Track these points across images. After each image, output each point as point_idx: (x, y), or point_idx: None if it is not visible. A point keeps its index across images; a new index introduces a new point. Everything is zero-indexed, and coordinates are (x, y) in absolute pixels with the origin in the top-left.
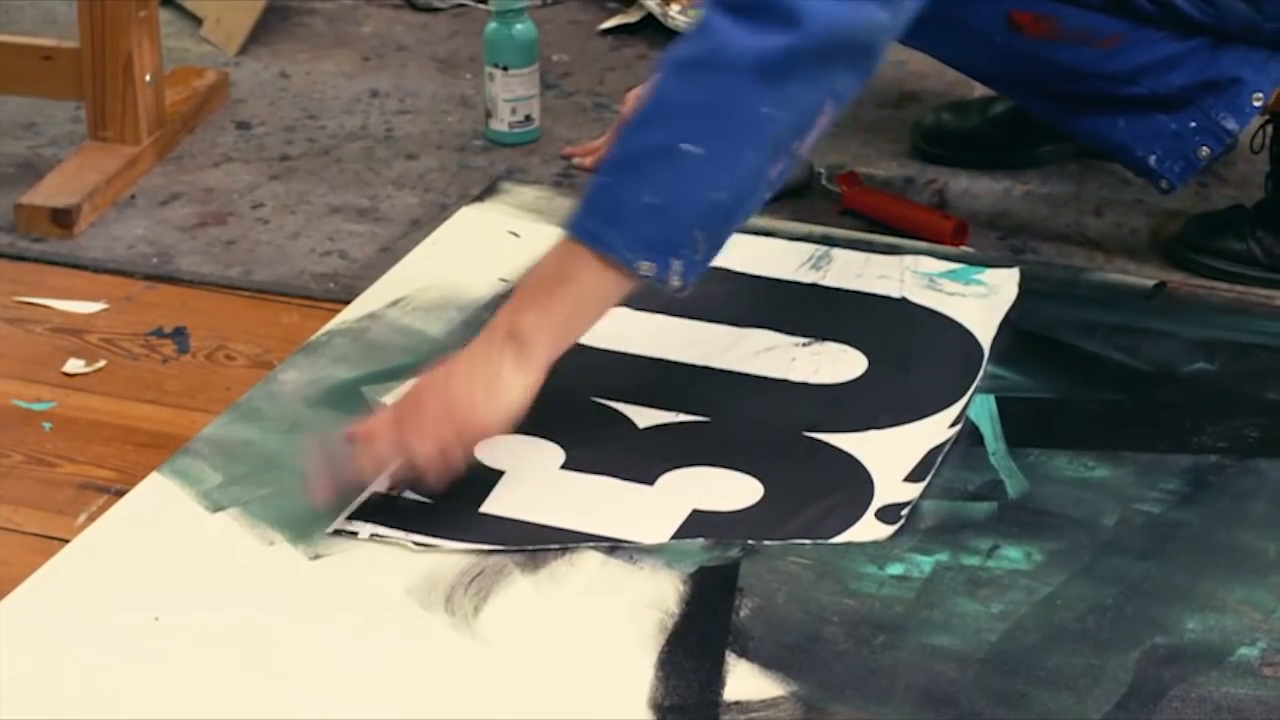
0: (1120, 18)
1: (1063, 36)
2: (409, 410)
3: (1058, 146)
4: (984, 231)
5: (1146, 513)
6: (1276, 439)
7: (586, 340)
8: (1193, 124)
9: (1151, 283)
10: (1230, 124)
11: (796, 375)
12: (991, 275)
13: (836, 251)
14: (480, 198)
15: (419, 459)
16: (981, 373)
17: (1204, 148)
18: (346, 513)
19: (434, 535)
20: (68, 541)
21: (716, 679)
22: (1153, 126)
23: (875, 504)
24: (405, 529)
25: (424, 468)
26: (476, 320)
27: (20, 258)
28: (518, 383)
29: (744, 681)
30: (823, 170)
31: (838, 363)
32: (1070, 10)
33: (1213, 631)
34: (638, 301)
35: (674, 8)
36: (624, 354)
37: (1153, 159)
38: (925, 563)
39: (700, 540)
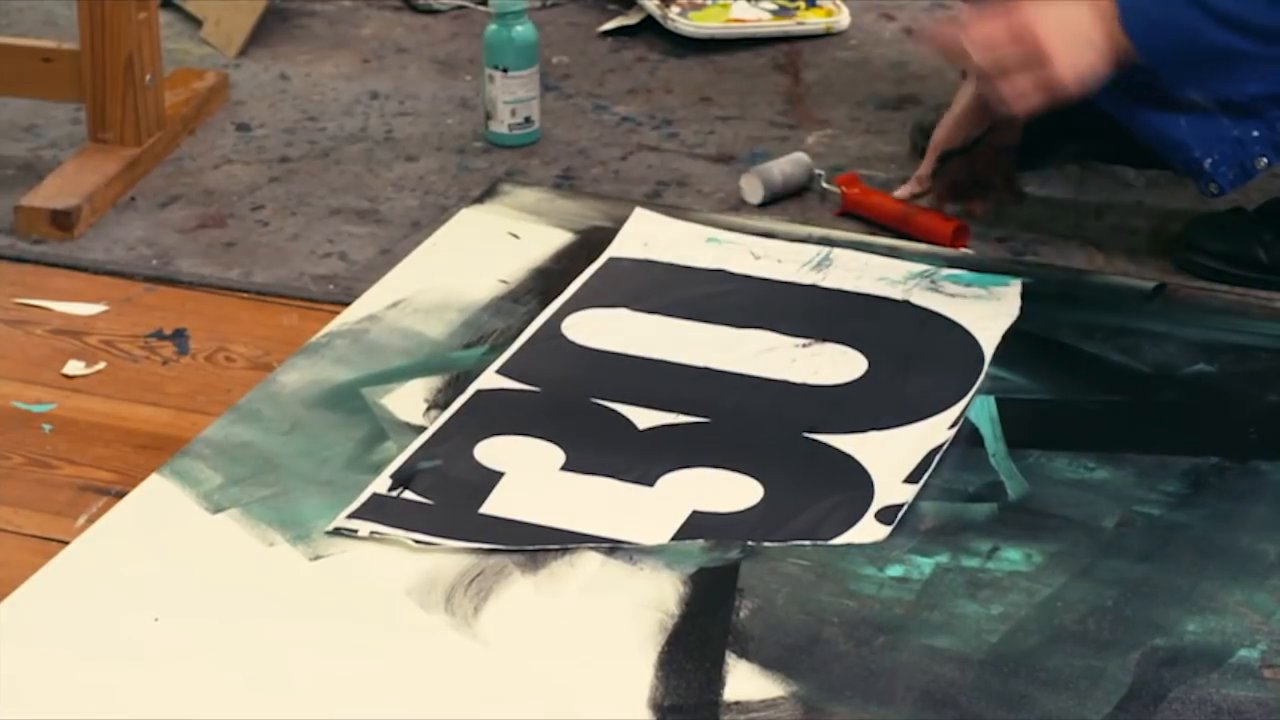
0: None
1: None
2: (979, 29)
3: (1059, 149)
4: (984, 234)
5: (1147, 514)
6: (1277, 441)
7: (586, 342)
8: (1255, 133)
9: (1152, 285)
10: None
11: (796, 376)
12: (994, 289)
13: (837, 253)
14: (480, 199)
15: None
16: (982, 375)
17: (1263, 158)
18: (347, 511)
19: (434, 535)
20: (67, 543)
21: (716, 679)
22: (1215, 130)
23: (875, 505)
24: (405, 528)
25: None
26: (476, 322)
27: (20, 259)
28: (1099, 50)
29: (744, 682)
30: (822, 172)
31: (838, 364)
32: None
33: (1213, 633)
34: (637, 303)
35: (674, 9)
36: (624, 355)
37: (1209, 162)
38: (925, 564)
39: (700, 541)
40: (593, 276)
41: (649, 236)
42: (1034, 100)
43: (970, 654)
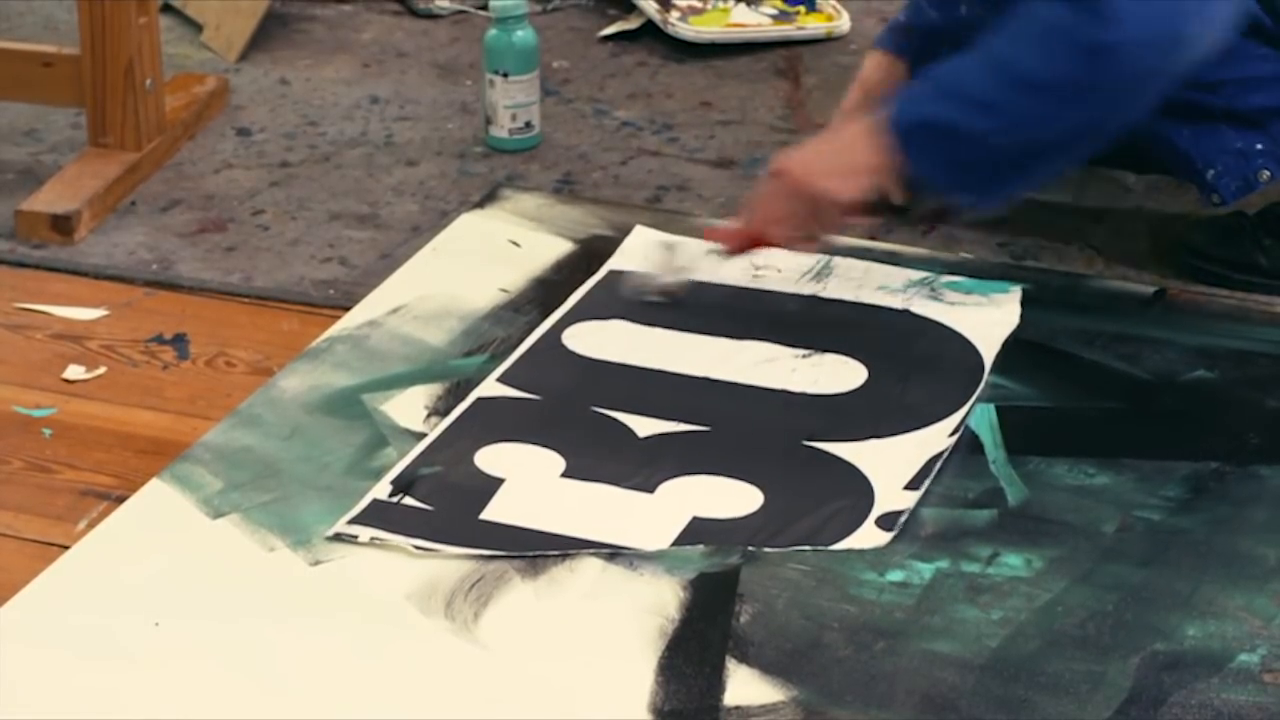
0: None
1: None
2: (763, 205)
3: None
4: (984, 238)
5: (1147, 519)
6: (1277, 446)
7: (586, 351)
8: (1259, 145)
9: (1152, 290)
10: None
11: (797, 386)
12: (994, 297)
13: (837, 261)
14: (480, 204)
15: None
16: (982, 384)
17: (1265, 171)
18: (348, 517)
19: (434, 540)
20: (68, 548)
21: (717, 684)
22: (1218, 141)
23: (875, 511)
24: (405, 534)
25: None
26: (476, 330)
27: (20, 264)
28: (872, 155)
29: (744, 687)
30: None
31: (838, 374)
32: None
33: (1213, 638)
34: (638, 315)
35: (674, 14)
36: (624, 365)
37: (1211, 173)
38: (925, 569)
39: (700, 546)
40: (593, 288)
41: (649, 251)
42: (826, 233)
43: (970, 659)
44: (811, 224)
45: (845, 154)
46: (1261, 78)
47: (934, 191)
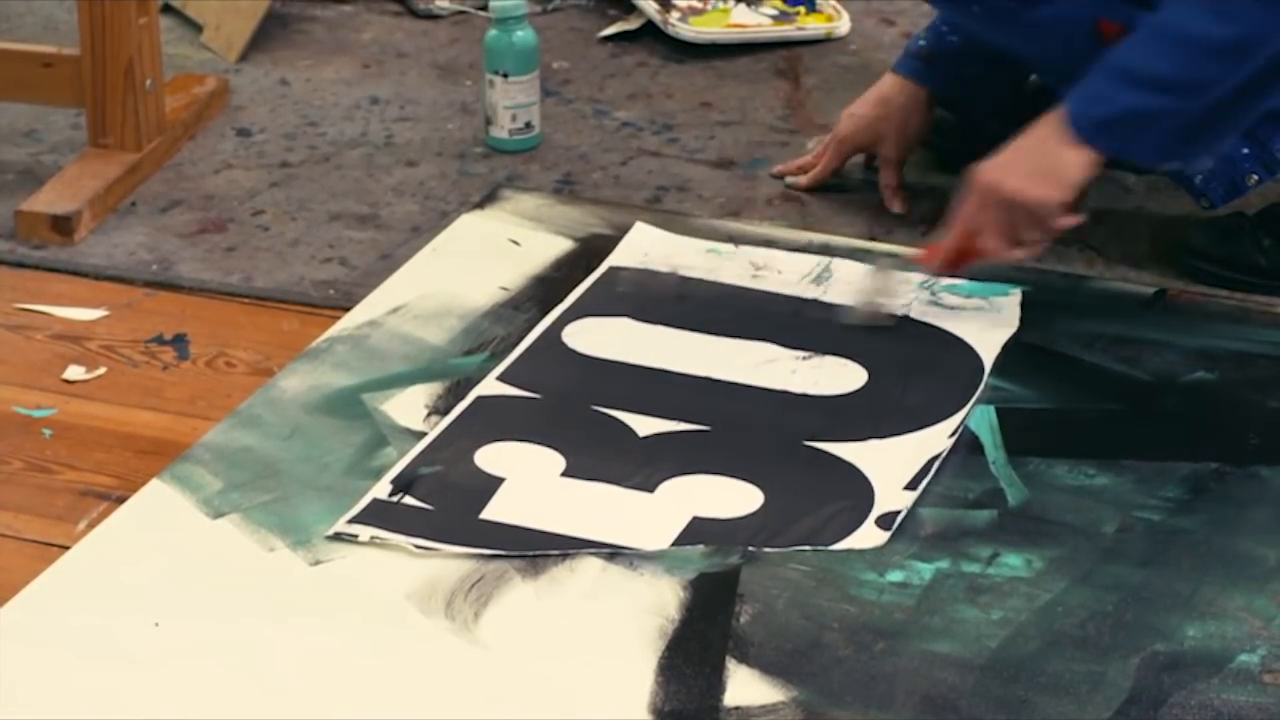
0: None
1: None
2: (970, 219)
3: None
4: None
5: (1147, 520)
6: (1277, 447)
7: (586, 349)
8: (1245, 150)
9: (1151, 290)
10: None
11: (797, 387)
12: (994, 300)
13: (837, 264)
14: (480, 205)
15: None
16: (982, 387)
17: (1253, 175)
18: (347, 516)
19: (434, 540)
20: (68, 548)
21: (717, 684)
22: None
23: (875, 512)
24: (406, 533)
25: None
26: (477, 328)
27: (20, 265)
28: (1072, 155)
29: (744, 687)
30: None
31: (838, 376)
32: None
33: (1213, 638)
34: (638, 313)
35: (674, 15)
36: (625, 364)
37: (1199, 178)
38: (925, 570)
39: (700, 546)
40: (593, 285)
41: (649, 248)
42: (1044, 240)
43: (970, 659)
44: (1023, 230)
45: (1044, 157)
46: None
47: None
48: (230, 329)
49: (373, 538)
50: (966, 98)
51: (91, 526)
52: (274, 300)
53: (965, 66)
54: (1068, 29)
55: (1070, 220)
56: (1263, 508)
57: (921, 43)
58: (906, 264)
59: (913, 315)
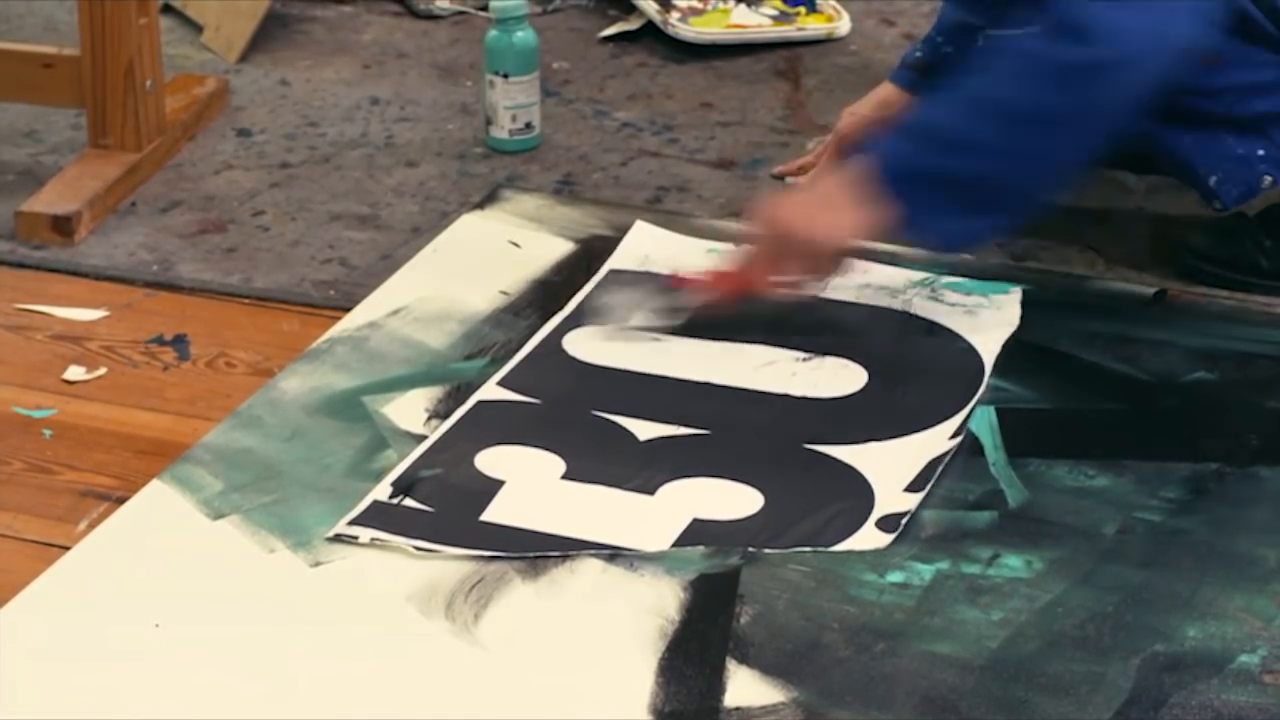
0: (1231, 34)
1: None
2: (752, 253)
3: None
4: None
5: (1147, 521)
6: (1277, 447)
7: (586, 356)
8: (1260, 152)
9: (1152, 290)
10: None
11: (797, 390)
12: (995, 299)
13: None
14: (481, 205)
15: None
16: (983, 386)
17: (1267, 177)
18: (348, 518)
19: (435, 541)
20: (68, 549)
21: (717, 685)
22: (1219, 148)
23: (876, 514)
24: (406, 535)
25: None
26: (477, 333)
27: (21, 265)
28: (861, 205)
29: (744, 688)
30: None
31: (838, 377)
32: None
33: (1213, 639)
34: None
35: (674, 15)
36: (624, 370)
37: (1213, 180)
38: (926, 570)
39: (701, 547)
40: (593, 290)
41: (649, 248)
42: (807, 274)
43: (971, 659)
44: (803, 269)
45: (834, 202)
46: (1262, 84)
47: (936, 234)
48: (230, 329)
49: (373, 539)
50: None
51: (92, 527)
52: (274, 301)
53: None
54: None
55: (851, 264)
56: (1263, 508)
57: (918, 54)
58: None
59: (913, 312)
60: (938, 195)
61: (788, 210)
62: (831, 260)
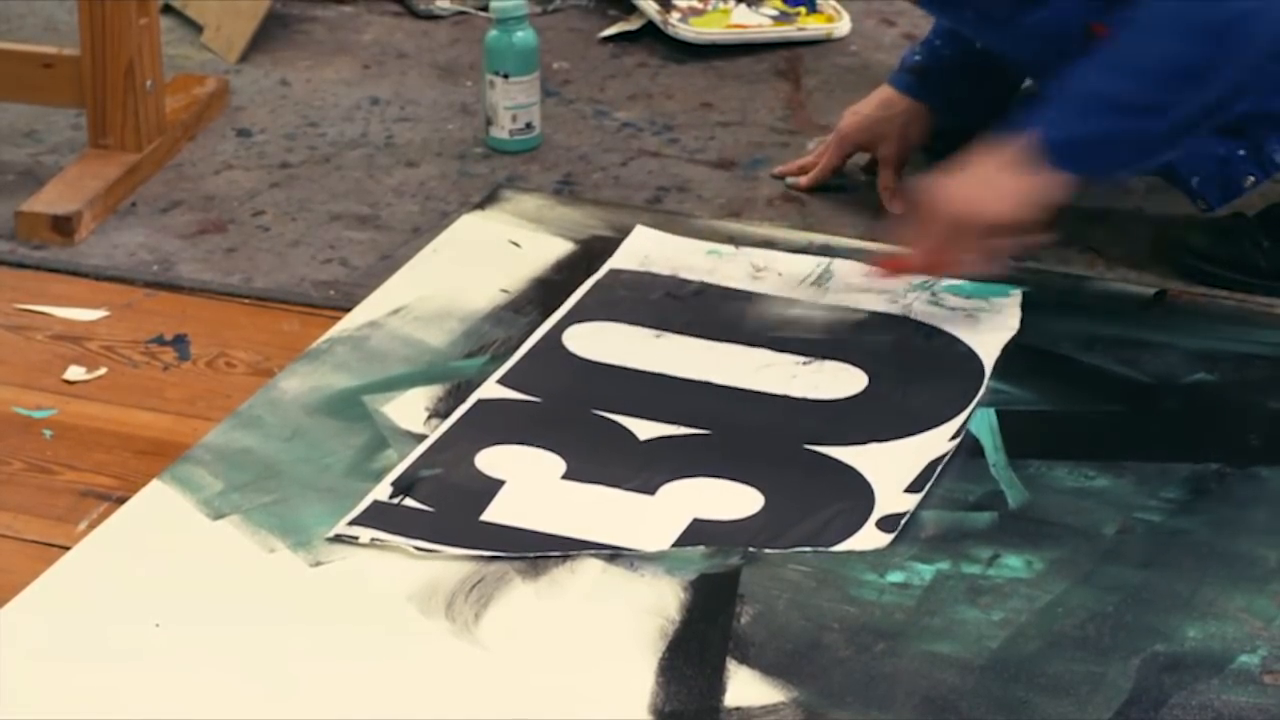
0: None
1: None
2: (922, 236)
3: None
4: None
5: (1147, 521)
6: (1277, 447)
7: (586, 353)
8: (1241, 152)
9: (1152, 291)
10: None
11: (797, 391)
12: (994, 301)
13: (837, 264)
14: (481, 205)
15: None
16: (982, 389)
17: (1249, 177)
18: (348, 518)
19: (435, 541)
20: (68, 549)
21: (717, 685)
22: (1201, 148)
23: (876, 514)
24: (406, 535)
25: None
26: (477, 331)
27: (21, 265)
28: (1026, 179)
29: (745, 688)
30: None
31: (838, 380)
32: None
33: (1213, 639)
34: (638, 317)
35: (674, 15)
36: (624, 369)
37: (1195, 180)
38: (926, 571)
39: (701, 547)
40: (593, 288)
41: (650, 250)
42: (994, 256)
43: (971, 660)
44: (974, 248)
45: (997, 180)
46: None
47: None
48: (230, 329)
49: (373, 539)
50: (963, 106)
51: (92, 527)
52: (274, 301)
53: (960, 77)
54: (1060, 33)
55: (1038, 239)
56: (1263, 508)
57: (916, 57)
58: None
59: (913, 316)
60: (1103, 157)
61: (954, 193)
62: (1005, 238)
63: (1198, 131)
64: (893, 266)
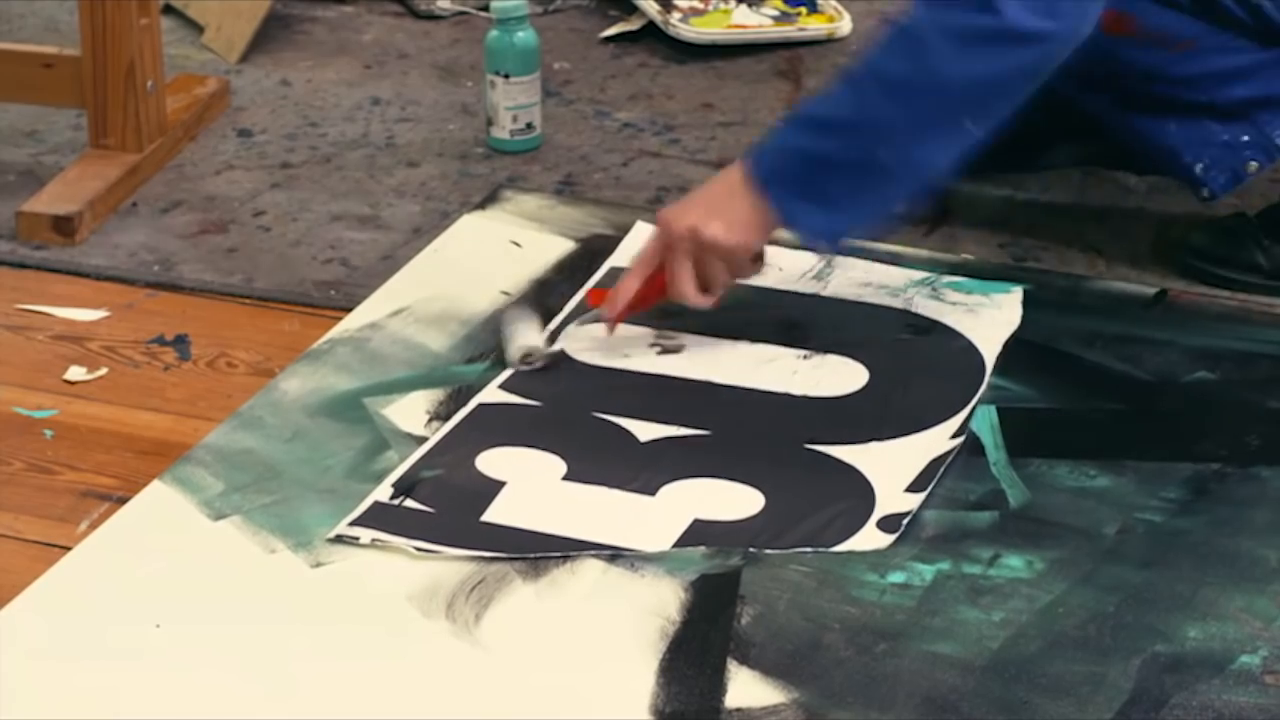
0: (1202, 20)
1: (1139, 36)
2: (649, 262)
3: (1057, 152)
4: (986, 240)
5: (1148, 521)
6: (1278, 447)
7: (587, 357)
8: (1245, 137)
9: (1153, 291)
10: None
11: (797, 389)
12: (996, 298)
13: (838, 260)
14: (482, 205)
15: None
16: (983, 386)
17: (1253, 162)
18: (349, 519)
19: (435, 542)
20: (69, 549)
21: (718, 686)
22: (1203, 134)
23: (876, 514)
24: (407, 535)
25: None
26: (478, 335)
27: (22, 265)
28: (748, 201)
29: (745, 688)
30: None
31: (839, 376)
32: (1151, 9)
33: (1214, 639)
34: (638, 317)
35: (675, 15)
36: (625, 371)
37: (1199, 167)
38: (927, 571)
39: (702, 548)
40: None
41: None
42: (718, 276)
43: (972, 660)
44: (713, 277)
45: (722, 204)
46: (1241, 69)
47: (805, 230)
48: (231, 330)
49: (374, 540)
50: None
51: (93, 528)
52: (275, 301)
53: None
54: None
55: (756, 269)
56: (1263, 509)
57: None
58: (530, 312)
59: (914, 310)
60: (804, 184)
61: (683, 214)
62: (746, 265)
63: (941, 160)
64: (615, 299)
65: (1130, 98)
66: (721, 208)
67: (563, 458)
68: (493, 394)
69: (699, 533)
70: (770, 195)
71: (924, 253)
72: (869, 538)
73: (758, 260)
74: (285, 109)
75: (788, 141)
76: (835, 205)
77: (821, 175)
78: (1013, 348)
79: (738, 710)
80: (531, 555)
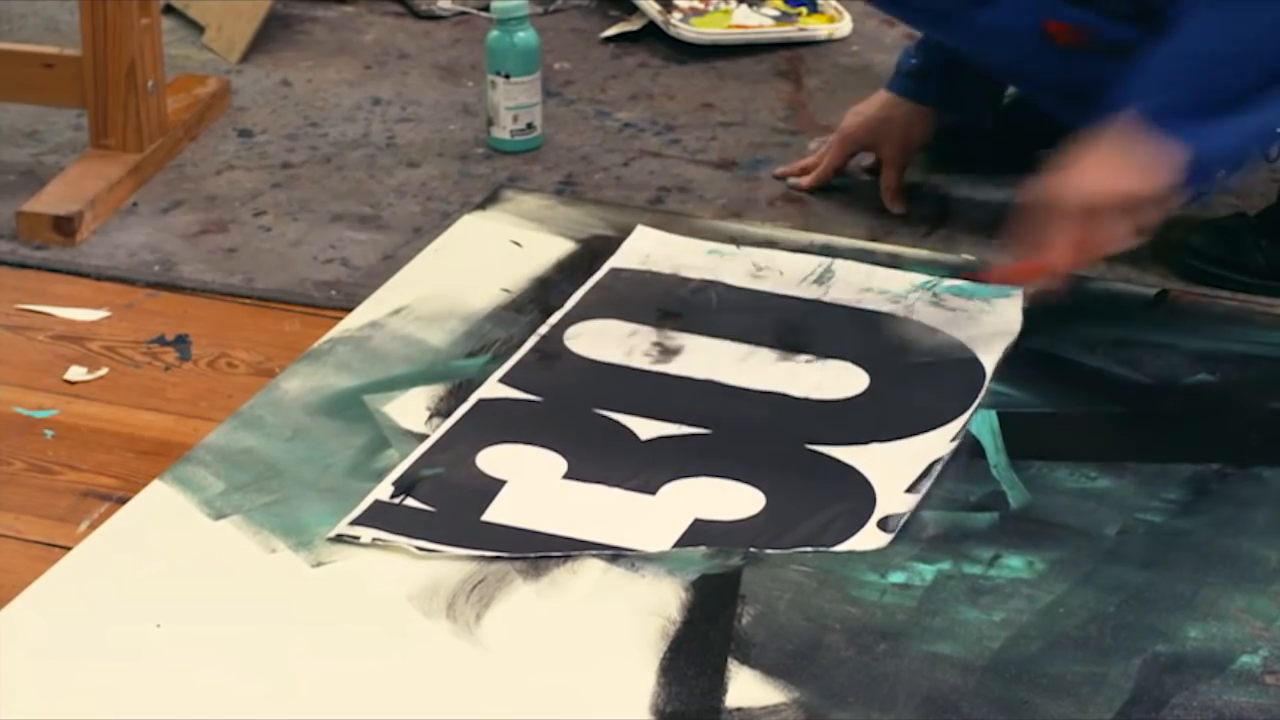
0: (1156, 33)
1: (1094, 48)
2: (1053, 234)
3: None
4: (985, 240)
5: (1148, 521)
6: (1278, 448)
7: (587, 354)
8: None
9: (1153, 291)
10: None
11: (798, 391)
12: (996, 303)
13: (839, 264)
14: (482, 205)
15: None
16: (983, 391)
17: (1275, 145)
18: (349, 518)
19: (436, 542)
20: (69, 549)
21: (718, 686)
22: None
23: (877, 514)
24: (407, 535)
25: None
26: (479, 331)
27: (22, 265)
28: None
29: (746, 688)
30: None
31: (839, 379)
32: (1104, 23)
33: (1214, 640)
34: (639, 316)
35: (676, 16)
36: (626, 367)
37: None
38: (927, 571)
39: (702, 548)
40: (594, 287)
41: (650, 249)
42: (1136, 233)
43: (972, 660)
44: (1113, 230)
45: (1114, 159)
46: None
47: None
48: (232, 330)
49: (374, 539)
50: (964, 103)
51: (93, 527)
52: (275, 301)
53: (958, 75)
54: (1015, 31)
55: (1173, 205)
56: (1264, 509)
57: (913, 60)
58: None
59: (915, 316)
60: (1208, 116)
61: (1078, 180)
62: (1142, 213)
63: None
64: (1028, 271)
65: (1091, 104)
66: (1118, 163)
67: (563, 455)
68: (493, 389)
69: (699, 532)
70: (1171, 127)
71: (925, 255)
72: (869, 538)
73: (1151, 211)
74: (286, 109)
75: (1174, 79)
76: (1232, 127)
77: (1219, 107)
78: (1014, 354)
79: (738, 710)
80: (532, 555)
